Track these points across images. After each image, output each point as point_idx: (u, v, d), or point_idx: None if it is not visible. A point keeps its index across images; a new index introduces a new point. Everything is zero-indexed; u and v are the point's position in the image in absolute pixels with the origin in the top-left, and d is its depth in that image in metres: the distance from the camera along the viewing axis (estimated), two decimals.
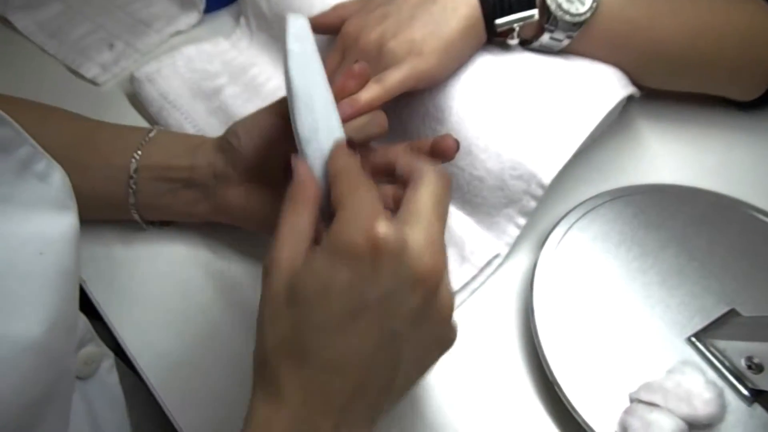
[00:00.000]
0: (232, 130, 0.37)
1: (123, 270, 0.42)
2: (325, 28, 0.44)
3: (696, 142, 0.48)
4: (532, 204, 0.39)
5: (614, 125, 0.47)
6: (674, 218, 0.41)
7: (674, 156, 0.47)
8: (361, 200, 0.25)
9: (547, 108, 0.40)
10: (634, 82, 0.43)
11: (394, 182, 0.32)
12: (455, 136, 0.37)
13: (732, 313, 0.36)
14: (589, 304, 0.37)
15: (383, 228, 0.24)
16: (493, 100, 0.40)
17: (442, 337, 0.28)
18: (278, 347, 0.25)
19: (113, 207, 0.40)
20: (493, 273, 0.41)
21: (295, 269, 0.25)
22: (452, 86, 0.41)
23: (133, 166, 0.39)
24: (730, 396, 0.33)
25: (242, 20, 0.55)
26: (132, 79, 0.51)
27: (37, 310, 0.27)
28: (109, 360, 0.38)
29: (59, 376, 0.29)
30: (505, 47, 0.42)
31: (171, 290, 0.41)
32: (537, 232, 0.42)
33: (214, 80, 0.51)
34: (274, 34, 0.52)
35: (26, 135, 0.29)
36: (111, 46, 0.56)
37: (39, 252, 0.28)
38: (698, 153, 0.47)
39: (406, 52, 0.38)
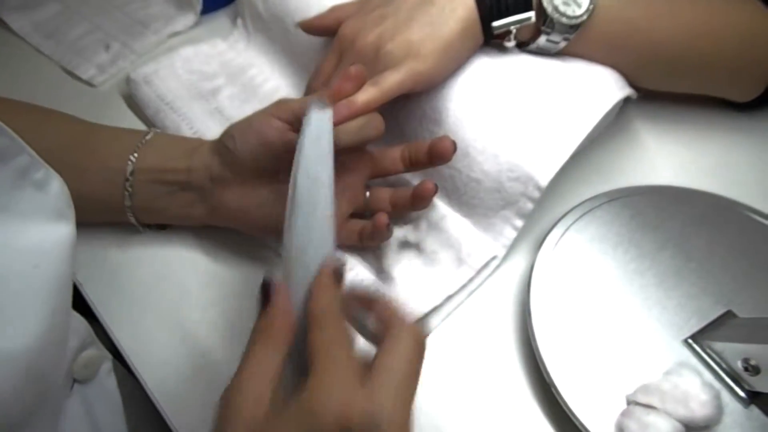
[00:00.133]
0: (229, 133, 0.37)
1: (120, 273, 0.42)
2: (322, 30, 0.44)
3: (693, 144, 0.48)
4: (530, 206, 0.39)
5: (612, 127, 0.47)
6: (672, 220, 0.41)
7: (672, 157, 0.47)
8: (338, 367, 0.25)
9: (544, 110, 0.40)
10: (632, 83, 0.43)
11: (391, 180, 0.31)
12: (452, 138, 0.37)
13: (729, 315, 0.36)
14: (587, 306, 0.37)
15: (357, 410, 0.23)
16: (491, 102, 0.40)
17: None
18: None
19: (110, 210, 0.40)
20: (490, 275, 0.41)
21: (255, 424, 0.24)
22: (449, 88, 0.41)
23: (129, 168, 0.38)
24: (727, 398, 0.33)
25: (239, 21, 0.55)
26: (128, 81, 0.51)
27: (27, 324, 0.26)
28: (108, 363, 0.38)
29: (46, 392, 0.29)
30: (502, 49, 0.42)
31: (168, 293, 0.41)
32: (534, 234, 0.42)
33: (211, 81, 0.51)
34: (271, 35, 0.52)
35: (24, 144, 0.28)
36: (107, 47, 0.56)
37: (34, 265, 0.27)
38: (696, 154, 0.47)
39: (403, 54, 0.38)
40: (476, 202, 0.41)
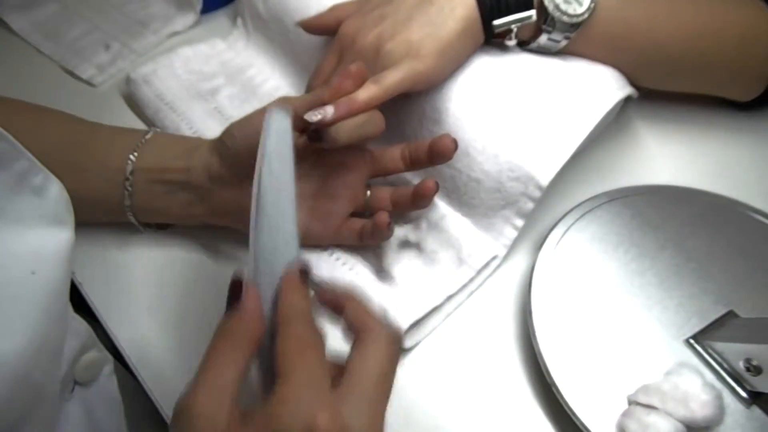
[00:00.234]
0: (228, 132, 0.37)
1: (120, 273, 0.42)
2: (322, 29, 0.44)
3: (694, 143, 0.48)
4: (530, 205, 0.39)
5: (612, 126, 0.47)
6: (672, 219, 0.41)
7: (672, 157, 0.47)
8: (306, 373, 0.23)
9: (545, 109, 0.39)
10: (632, 82, 0.43)
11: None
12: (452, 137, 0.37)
13: (730, 315, 0.36)
14: (587, 306, 0.37)
15: (324, 421, 0.22)
16: (491, 102, 0.40)
17: None
18: None
19: (109, 209, 0.40)
20: (490, 275, 0.41)
21: None
22: (450, 87, 0.41)
23: (129, 168, 0.38)
24: (728, 398, 0.33)
25: (239, 21, 0.55)
26: (128, 81, 0.51)
27: (22, 331, 0.26)
28: (109, 365, 0.38)
29: (39, 400, 0.29)
30: (503, 48, 0.42)
31: (168, 293, 0.41)
32: (535, 234, 0.42)
33: (210, 81, 0.51)
34: (270, 35, 0.52)
35: (23, 149, 0.28)
36: (107, 46, 0.56)
37: (31, 271, 0.27)
38: (696, 154, 0.47)
39: (403, 53, 0.38)
40: (476, 202, 0.41)
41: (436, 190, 0.37)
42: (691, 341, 0.35)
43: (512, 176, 0.39)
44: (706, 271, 0.38)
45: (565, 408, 0.34)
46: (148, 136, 0.40)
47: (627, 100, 0.43)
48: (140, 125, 0.50)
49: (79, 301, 0.39)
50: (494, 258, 0.40)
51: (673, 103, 0.49)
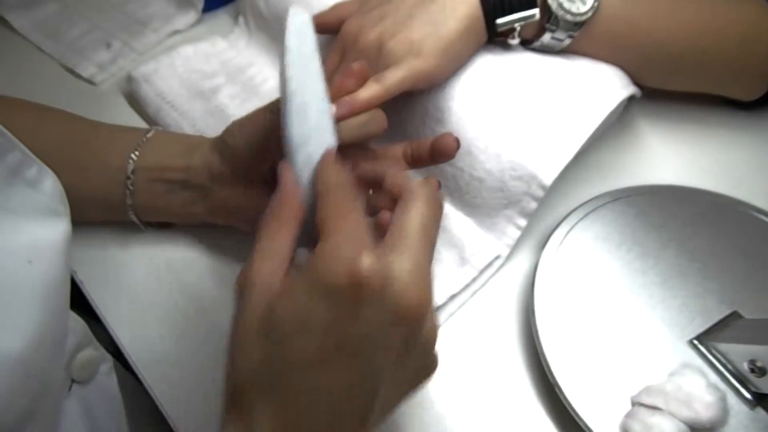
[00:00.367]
0: (229, 130, 0.37)
1: (121, 271, 0.42)
2: (324, 27, 0.44)
3: (697, 143, 0.48)
4: (533, 205, 0.39)
5: (615, 125, 0.47)
6: (675, 219, 0.41)
7: (675, 156, 0.47)
8: (347, 228, 0.24)
9: (548, 108, 0.39)
10: (635, 81, 0.43)
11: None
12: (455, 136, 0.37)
13: (734, 316, 0.36)
14: (591, 306, 0.37)
15: (367, 263, 0.23)
16: (493, 101, 0.40)
17: (423, 368, 0.28)
18: (250, 378, 0.25)
19: (111, 208, 0.40)
20: (493, 275, 0.41)
21: (272, 295, 0.24)
22: (452, 86, 0.41)
23: (131, 167, 0.38)
24: (732, 399, 0.33)
25: (240, 20, 0.55)
26: (129, 79, 0.51)
27: (22, 324, 0.26)
28: (107, 363, 0.38)
29: (43, 393, 0.29)
30: (506, 47, 0.42)
31: (170, 292, 0.41)
32: (538, 234, 0.42)
33: (211, 80, 0.51)
34: (272, 34, 0.52)
35: (15, 140, 0.28)
36: (108, 45, 0.55)
37: (28, 261, 0.27)
38: (699, 153, 0.47)
39: (404, 52, 0.38)
40: (479, 202, 0.40)
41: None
42: (695, 342, 0.35)
43: (515, 175, 0.39)
44: (709, 271, 0.38)
45: (568, 408, 0.33)
46: (149, 135, 0.40)
47: (630, 100, 0.43)
48: (141, 124, 0.50)
49: (77, 300, 0.38)
50: (497, 258, 0.40)
51: (675, 103, 0.49)
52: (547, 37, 0.41)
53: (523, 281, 0.41)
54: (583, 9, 0.39)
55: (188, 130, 0.47)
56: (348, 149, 0.38)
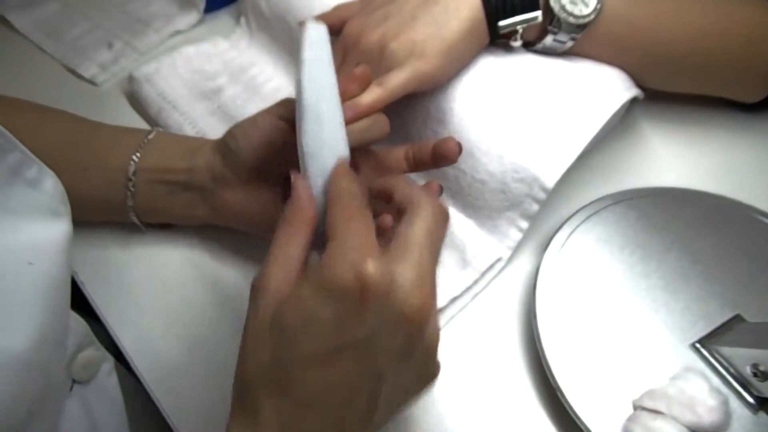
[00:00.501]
0: (231, 133, 0.37)
1: (122, 272, 0.42)
2: None
3: (700, 145, 0.47)
4: (535, 207, 0.39)
5: (617, 127, 0.47)
6: (678, 221, 0.40)
7: (678, 158, 0.47)
8: (354, 232, 0.25)
9: (550, 110, 0.39)
10: (638, 83, 0.43)
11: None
12: (457, 139, 0.36)
13: (737, 319, 0.36)
14: (593, 309, 0.37)
15: (372, 266, 0.23)
16: (496, 103, 0.40)
17: (426, 374, 0.28)
18: (259, 375, 0.25)
19: (112, 209, 0.40)
20: (495, 277, 0.40)
21: (282, 297, 0.25)
22: (454, 88, 0.40)
23: (132, 168, 0.38)
24: (735, 404, 0.33)
25: (242, 20, 0.55)
26: (131, 79, 0.51)
27: (24, 323, 0.26)
28: (108, 363, 0.38)
29: (45, 393, 0.29)
30: (508, 49, 0.42)
31: (170, 293, 0.41)
32: (540, 236, 0.42)
33: (213, 80, 0.51)
34: (274, 34, 0.52)
35: (15, 140, 0.28)
36: (110, 45, 0.55)
37: (28, 262, 0.27)
38: (702, 155, 0.47)
39: (407, 53, 0.37)
40: (481, 204, 0.40)
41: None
42: (698, 345, 0.35)
43: (517, 177, 0.39)
44: (712, 274, 0.38)
45: (570, 412, 0.33)
46: (150, 136, 0.40)
47: (633, 102, 0.42)
48: (143, 124, 0.50)
49: (78, 300, 0.38)
50: (499, 260, 0.40)
51: (678, 105, 0.49)
52: (549, 40, 0.41)
53: (524, 284, 0.41)
54: (586, 11, 0.39)
55: (190, 130, 0.47)
56: (350, 154, 0.38)
